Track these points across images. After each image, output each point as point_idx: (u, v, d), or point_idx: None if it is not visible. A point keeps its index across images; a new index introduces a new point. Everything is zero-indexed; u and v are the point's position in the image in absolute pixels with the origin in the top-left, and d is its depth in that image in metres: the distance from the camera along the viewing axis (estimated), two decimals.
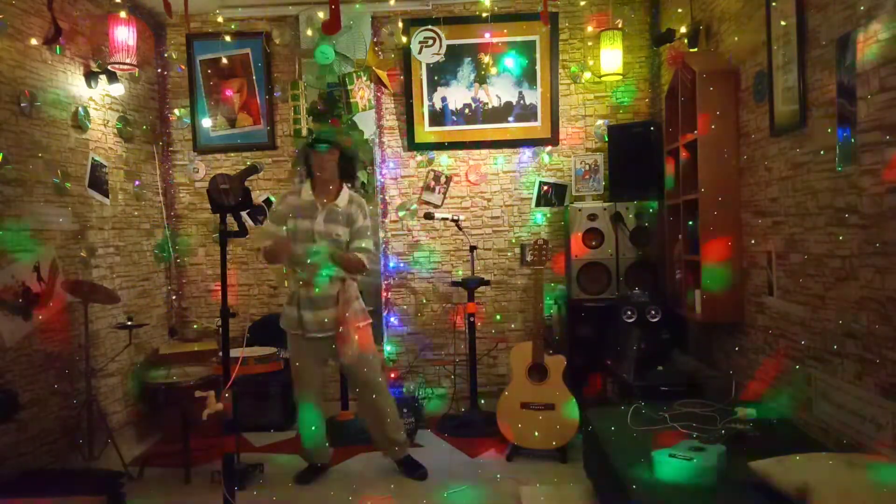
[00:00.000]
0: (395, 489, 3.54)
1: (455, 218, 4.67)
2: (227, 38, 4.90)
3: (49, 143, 3.72)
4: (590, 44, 4.92)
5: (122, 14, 4.16)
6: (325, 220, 3.49)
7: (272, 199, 5.04)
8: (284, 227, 3.51)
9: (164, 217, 4.99)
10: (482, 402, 4.63)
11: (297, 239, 3.47)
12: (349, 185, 3.68)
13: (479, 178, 5.01)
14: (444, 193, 5.01)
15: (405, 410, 4.14)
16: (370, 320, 3.65)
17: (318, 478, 3.70)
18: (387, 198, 5.07)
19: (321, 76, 4.73)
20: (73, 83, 3.97)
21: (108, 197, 4.28)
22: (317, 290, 3.44)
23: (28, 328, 3.45)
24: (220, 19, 4.95)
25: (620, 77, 4.79)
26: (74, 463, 3.65)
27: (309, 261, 3.41)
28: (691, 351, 4.24)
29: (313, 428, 3.63)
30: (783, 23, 2.91)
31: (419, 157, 5.05)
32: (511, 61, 4.92)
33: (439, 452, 4.02)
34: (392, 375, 4.90)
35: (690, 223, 3.74)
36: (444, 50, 4.73)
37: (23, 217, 3.47)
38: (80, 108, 4.00)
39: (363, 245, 3.51)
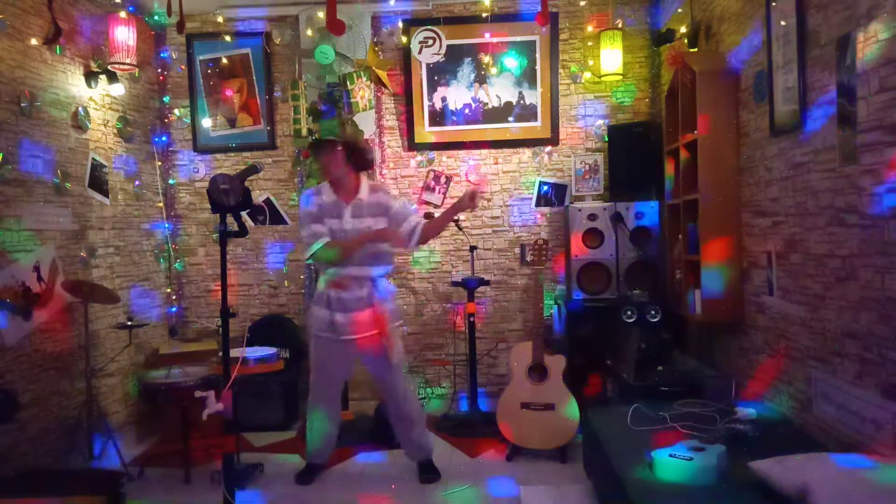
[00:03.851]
0: (394, 489, 3.54)
1: (455, 218, 4.66)
2: (227, 38, 4.91)
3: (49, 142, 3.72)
4: (590, 44, 4.92)
5: (122, 14, 4.16)
6: (352, 217, 3.43)
7: (273, 199, 5.05)
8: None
9: (164, 217, 4.99)
10: (482, 402, 4.63)
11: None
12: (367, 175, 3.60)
13: (479, 178, 5.01)
14: (444, 193, 5.01)
15: None
16: (402, 322, 3.61)
17: (317, 477, 3.69)
18: None
19: (321, 76, 4.73)
20: (73, 83, 3.97)
21: (108, 197, 4.28)
22: (348, 290, 3.41)
23: (28, 328, 3.45)
24: (220, 19, 4.96)
25: (620, 77, 4.79)
26: (74, 463, 3.65)
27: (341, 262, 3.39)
28: (691, 351, 4.24)
29: (328, 429, 3.63)
30: (783, 23, 2.91)
31: (419, 157, 5.05)
32: (511, 61, 4.92)
33: (439, 452, 4.01)
34: None
35: (690, 223, 3.74)
36: (444, 50, 4.74)
37: (23, 217, 3.47)
38: (80, 108, 4.00)
39: (412, 221, 3.49)
